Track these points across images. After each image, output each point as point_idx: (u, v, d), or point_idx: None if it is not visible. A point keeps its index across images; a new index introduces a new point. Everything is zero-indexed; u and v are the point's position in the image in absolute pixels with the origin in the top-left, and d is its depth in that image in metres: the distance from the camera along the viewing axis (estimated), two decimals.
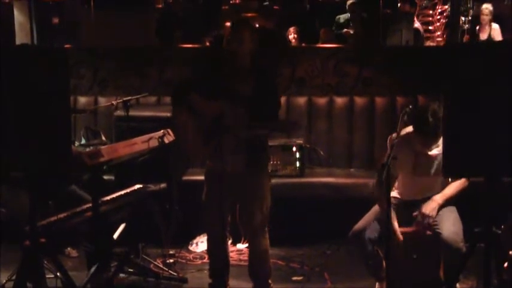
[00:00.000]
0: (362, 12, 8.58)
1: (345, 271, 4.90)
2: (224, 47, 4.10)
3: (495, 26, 8.49)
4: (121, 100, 5.37)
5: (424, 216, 4.07)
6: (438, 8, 9.51)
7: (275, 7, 9.33)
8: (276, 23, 8.84)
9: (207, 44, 8.13)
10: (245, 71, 4.05)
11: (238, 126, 3.91)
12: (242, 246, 5.38)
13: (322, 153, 6.08)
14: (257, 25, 7.76)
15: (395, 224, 4.04)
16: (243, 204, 4.25)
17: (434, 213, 4.07)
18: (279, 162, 5.63)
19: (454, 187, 4.19)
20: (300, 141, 5.72)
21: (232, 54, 4.00)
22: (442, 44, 9.09)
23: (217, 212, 4.07)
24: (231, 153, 3.95)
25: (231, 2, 9.68)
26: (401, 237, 4.04)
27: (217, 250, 4.31)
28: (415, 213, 4.14)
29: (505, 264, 3.52)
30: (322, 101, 6.24)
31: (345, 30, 8.57)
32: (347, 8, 8.71)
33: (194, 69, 5.30)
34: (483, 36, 8.47)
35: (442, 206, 4.13)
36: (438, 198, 4.13)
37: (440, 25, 9.47)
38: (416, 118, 4.03)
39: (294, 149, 5.65)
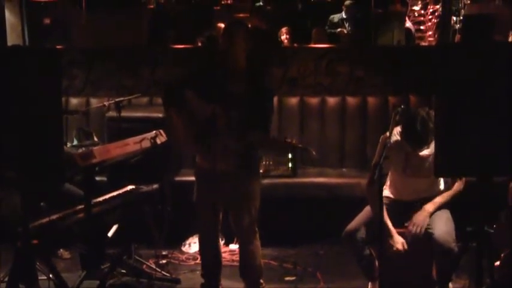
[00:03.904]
0: (357, 12, 8.59)
1: (338, 271, 4.91)
2: (219, 47, 4.06)
3: None
4: (113, 101, 5.36)
5: (415, 226, 4.05)
6: (430, 8, 9.53)
7: (268, 7, 9.35)
8: (269, 23, 8.84)
9: (199, 44, 8.12)
10: (239, 72, 3.99)
11: (230, 130, 3.87)
12: (235, 246, 5.36)
13: (314, 153, 6.07)
14: (251, 26, 7.76)
15: (389, 224, 4.05)
16: (231, 206, 4.19)
17: (424, 223, 4.04)
18: (271, 163, 5.64)
19: (446, 196, 4.17)
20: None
21: (226, 55, 3.96)
22: (433, 43, 9.11)
23: (209, 212, 4.06)
24: (222, 153, 3.91)
25: (223, 2, 9.68)
26: (397, 237, 4.04)
27: (209, 250, 4.30)
28: (406, 224, 4.12)
29: (497, 263, 3.53)
30: (314, 100, 6.23)
31: (339, 29, 8.58)
32: (343, 8, 8.72)
33: (187, 69, 5.29)
34: None
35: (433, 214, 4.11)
36: (429, 207, 4.09)
37: (431, 25, 9.50)
38: (405, 126, 4.02)
39: None
